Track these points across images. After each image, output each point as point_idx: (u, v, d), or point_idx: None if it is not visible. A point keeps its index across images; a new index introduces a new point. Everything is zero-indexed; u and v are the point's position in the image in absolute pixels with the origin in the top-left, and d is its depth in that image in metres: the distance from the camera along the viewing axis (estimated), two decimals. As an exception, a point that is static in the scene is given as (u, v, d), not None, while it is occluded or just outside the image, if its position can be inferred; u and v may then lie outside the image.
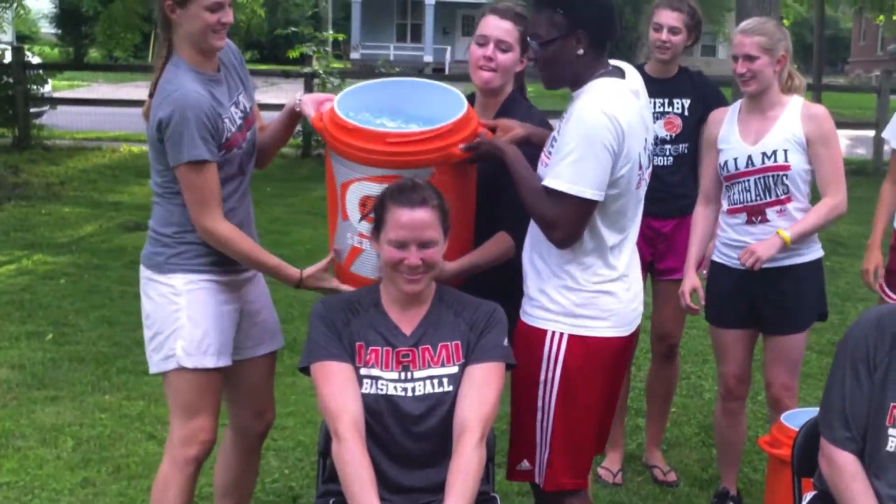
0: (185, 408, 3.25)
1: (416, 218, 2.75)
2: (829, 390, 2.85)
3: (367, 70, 20.53)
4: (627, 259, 3.02)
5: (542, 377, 2.96)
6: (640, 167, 2.94)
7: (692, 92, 4.36)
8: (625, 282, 3.00)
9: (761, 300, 3.92)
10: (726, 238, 3.98)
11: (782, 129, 3.83)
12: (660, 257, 4.44)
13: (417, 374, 2.83)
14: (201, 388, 3.23)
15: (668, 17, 4.27)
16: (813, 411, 3.49)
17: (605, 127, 2.78)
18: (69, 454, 4.69)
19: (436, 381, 2.83)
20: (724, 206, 4.01)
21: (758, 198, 3.86)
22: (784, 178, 3.82)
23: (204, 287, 3.21)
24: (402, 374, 2.83)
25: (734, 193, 3.92)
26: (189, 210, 3.13)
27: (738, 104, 4.01)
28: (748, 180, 3.87)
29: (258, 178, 14.48)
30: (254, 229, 3.42)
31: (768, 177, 3.83)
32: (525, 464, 3.06)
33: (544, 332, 2.96)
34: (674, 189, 4.38)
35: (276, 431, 5.01)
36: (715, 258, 4.06)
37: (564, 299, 2.94)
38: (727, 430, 4.18)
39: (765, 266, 3.76)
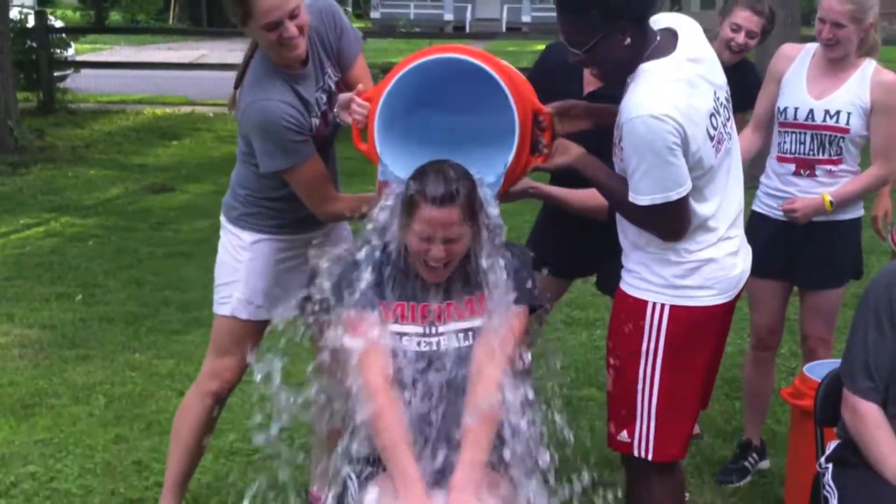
0: (218, 347, 3.57)
1: (442, 217, 2.70)
2: (852, 342, 2.88)
3: (387, 29, 20.46)
4: (730, 217, 2.91)
5: (644, 347, 2.87)
6: (712, 137, 2.76)
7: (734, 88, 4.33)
8: (727, 243, 2.90)
9: (800, 254, 3.95)
10: (770, 187, 3.99)
11: (850, 92, 3.80)
12: None
13: (442, 329, 2.85)
14: (237, 335, 3.49)
15: (748, 21, 4.20)
16: (834, 363, 3.53)
17: (659, 131, 2.63)
18: (101, 411, 4.78)
19: (461, 335, 2.84)
20: (774, 152, 3.99)
21: (810, 153, 3.86)
22: (841, 139, 3.82)
23: (267, 246, 3.42)
24: (427, 329, 2.84)
25: (786, 142, 3.91)
26: (305, 202, 3.25)
27: (811, 48, 3.94)
28: (805, 133, 3.86)
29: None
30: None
31: (825, 135, 3.82)
32: (624, 435, 2.96)
33: (645, 302, 2.88)
34: None
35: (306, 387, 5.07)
36: (756, 208, 4.07)
37: (666, 271, 2.86)
38: (756, 380, 4.20)
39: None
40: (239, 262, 3.45)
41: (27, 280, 6.94)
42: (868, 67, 3.82)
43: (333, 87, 3.31)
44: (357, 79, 3.29)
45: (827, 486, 2.87)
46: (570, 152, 2.94)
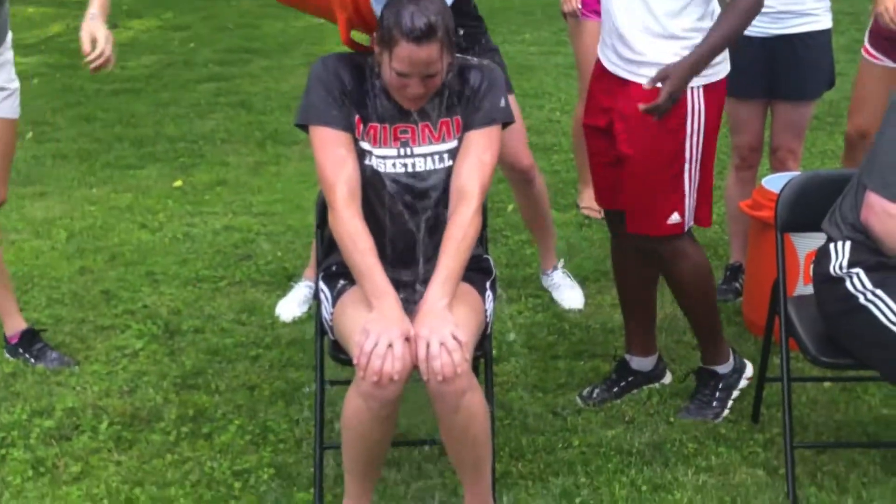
0: None
1: (421, 55, 2.62)
2: (881, 150, 2.84)
3: None
4: None
5: (689, 129, 3.12)
6: None
7: None
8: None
9: (780, 68, 3.99)
10: None
11: None
12: None
13: (417, 150, 2.84)
14: None
15: None
16: (791, 175, 3.60)
17: None
18: (63, 245, 4.77)
19: (436, 157, 2.84)
20: None
21: None
22: None
23: None
24: (401, 150, 2.83)
25: None
26: None
27: None
28: None
29: (225, -28, 13.79)
30: None
31: None
32: (675, 216, 3.19)
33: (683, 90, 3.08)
34: None
35: (266, 217, 5.11)
36: None
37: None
38: (740, 199, 4.25)
39: (783, 32, 3.91)
40: None
41: (-27, 119, 6.79)
42: None
43: None
44: None
45: (866, 292, 2.81)
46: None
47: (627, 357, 3.53)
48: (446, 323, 2.56)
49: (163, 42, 9.41)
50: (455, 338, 2.53)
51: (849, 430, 3.32)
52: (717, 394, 3.41)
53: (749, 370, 3.48)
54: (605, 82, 3.23)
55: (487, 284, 2.91)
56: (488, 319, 2.86)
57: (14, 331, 3.74)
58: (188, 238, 4.87)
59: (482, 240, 3.03)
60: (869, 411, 3.42)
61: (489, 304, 2.87)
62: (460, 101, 2.83)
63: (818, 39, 4.00)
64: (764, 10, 3.89)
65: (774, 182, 3.80)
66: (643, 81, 3.02)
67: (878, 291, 2.79)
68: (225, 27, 10.02)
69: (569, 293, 4.17)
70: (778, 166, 4.16)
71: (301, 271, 4.36)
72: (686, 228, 3.24)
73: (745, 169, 4.24)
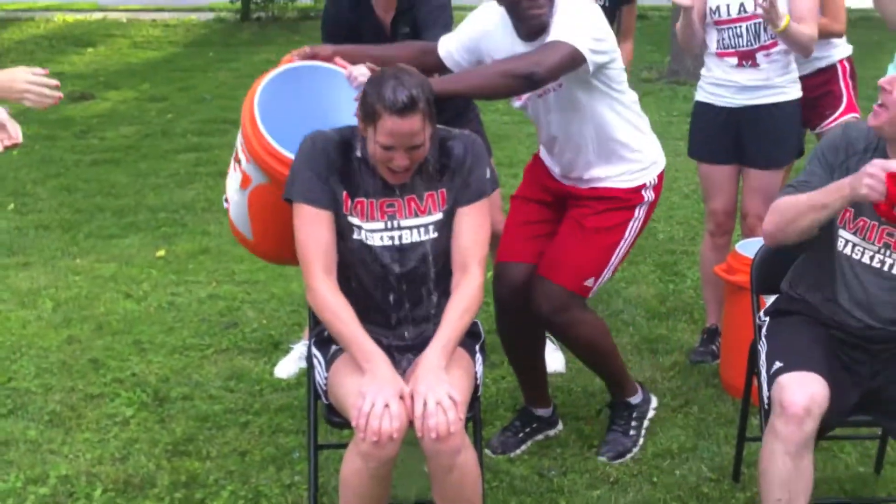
0: None
1: (405, 127, 2.70)
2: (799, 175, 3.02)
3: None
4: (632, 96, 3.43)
5: (636, 214, 3.43)
6: None
7: None
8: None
9: (748, 136, 4.11)
10: (713, 78, 4.16)
11: None
12: None
13: (404, 223, 2.91)
14: None
15: None
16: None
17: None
18: (50, 315, 4.82)
19: (422, 230, 2.92)
20: (712, 48, 4.12)
21: (749, 43, 4.01)
22: None
23: None
24: (389, 223, 2.90)
25: (724, 38, 4.06)
26: None
27: None
28: (740, 26, 4.00)
29: (200, 43, 14.34)
30: None
31: (759, 23, 3.96)
32: (591, 280, 3.40)
33: (643, 185, 3.42)
34: None
35: (249, 285, 5.18)
36: (700, 98, 4.24)
37: (651, 152, 3.45)
38: (715, 264, 4.36)
39: (750, 103, 4.06)
40: None
41: (-46, 190, 6.86)
42: None
43: None
44: None
45: (761, 340, 3.06)
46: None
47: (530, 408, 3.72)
48: (442, 382, 2.65)
49: (140, 113, 9.51)
50: (451, 397, 2.62)
51: (826, 488, 3.41)
52: (633, 422, 3.64)
53: (654, 401, 3.74)
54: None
55: (477, 347, 3.00)
56: (478, 381, 2.95)
57: None
58: (173, 307, 4.93)
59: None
60: (846, 469, 3.52)
61: (479, 367, 2.96)
62: (444, 174, 2.92)
63: (785, 110, 4.11)
64: (728, 83, 4.11)
65: (748, 247, 3.92)
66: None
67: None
68: (202, 98, 10.15)
69: (550, 357, 4.26)
70: (748, 232, 4.26)
71: (286, 338, 4.44)
72: (590, 295, 3.46)
73: (719, 235, 4.34)
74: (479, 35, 3.33)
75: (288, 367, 4.19)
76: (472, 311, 2.85)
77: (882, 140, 2.84)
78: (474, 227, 2.91)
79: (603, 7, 4.49)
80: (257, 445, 3.65)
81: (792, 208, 2.85)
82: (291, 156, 2.96)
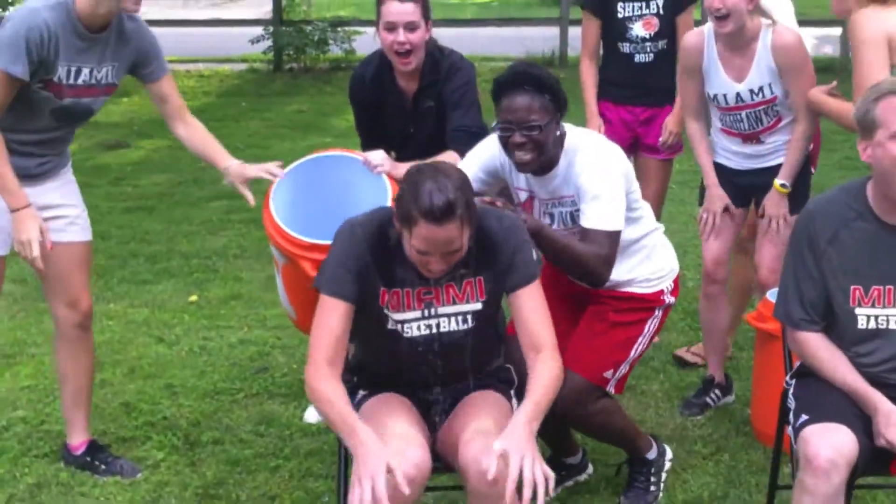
0: None
1: (441, 235, 2.65)
2: (783, 277, 3.07)
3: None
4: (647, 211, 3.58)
5: (655, 314, 3.52)
6: None
7: None
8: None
9: (760, 191, 4.11)
10: (721, 144, 4.19)
11: (762, 63, 3.91)
12: (641, 137, 4.77)
13: (442, 311, 2.89)
14: None
15: None
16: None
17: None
18: (83, 359, 4.86)
19: (460, 318, 2.90)
20: (718, 124, 4.15)
21: (751, 128, 4.04)
22: (773, 107, 3.98)
23: None
24: (426, 311, 2.88)
25: (727, 121, 4.08)
26: None
27: (709, 30, 4.00)
28: (740, 114, 4.02)
29: (233, 93, 14.47)
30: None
31: (759, 110, 3.99)
32: (609, 372, 3.43)
33: (661, 291, 3.53)
34: (655, 83, 4.63)
35: (280, 330, 5.21)
36: (716, 160, 4.23)
37: (666, 258, 3.59)
38: (708, 315, 4.36)
39: (760, 166, 4.09)
40: None
41: (-9, 236, 6.94)
42: (766, 35, 3.90)
43: (102, 83, 3.65)
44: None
45: (790, 398, 3.06)
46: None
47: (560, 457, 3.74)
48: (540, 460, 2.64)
49: (173, 161, 9.61)
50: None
51: (859, 538, 3.38)
52: (652, 478, 3.62)
53: (669, 453, 3.72)
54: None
55: (512, 392, 3.01)
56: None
57: (78, 441, 3.84)
58: (205, 351, 4.97)
59: (501, 351, 3.15)
60: (878, 518, 3.49)
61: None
62: (483, 258, 2.87)
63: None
64: (736, 153, 4.13)
65: (778, 295, 3.91)
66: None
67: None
68: (235, 147, 10.24)
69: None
70: (762, 288, 4.20)
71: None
72: (608, 389, 3.46)
73: (709, 283, 4.32)
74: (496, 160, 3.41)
75: (317, 412, 4.20)
76: (552, 393, 2.81)
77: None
78: (536, 308, 2.89)
79: (658, 16, 4.55)
80: (287, 490, 3.67)
81: (814, 362, 3.00)
82: (299, 236, 3.19)
